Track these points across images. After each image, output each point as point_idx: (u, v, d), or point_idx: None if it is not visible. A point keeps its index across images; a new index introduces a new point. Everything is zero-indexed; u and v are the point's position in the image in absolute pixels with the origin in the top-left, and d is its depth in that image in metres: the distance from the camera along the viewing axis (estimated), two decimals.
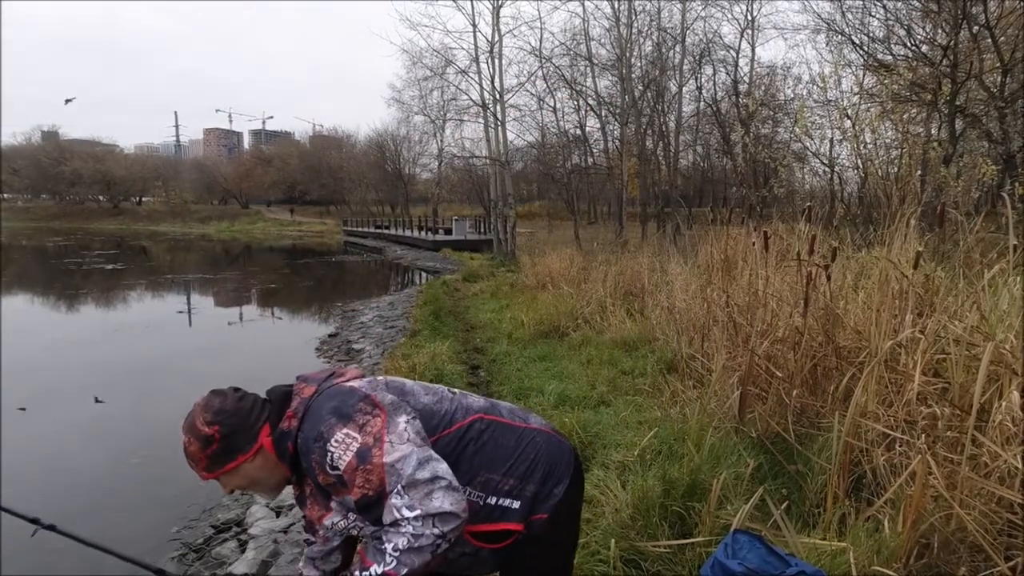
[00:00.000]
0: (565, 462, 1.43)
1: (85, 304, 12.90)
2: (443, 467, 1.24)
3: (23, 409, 5.80)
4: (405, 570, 1.20)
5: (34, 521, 1.69)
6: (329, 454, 1.24)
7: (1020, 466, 1.93)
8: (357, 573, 1.22)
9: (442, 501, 1.20)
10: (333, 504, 1.33)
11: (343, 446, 1.24)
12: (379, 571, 1.20)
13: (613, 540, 2.33)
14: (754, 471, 2.68)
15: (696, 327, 4.71)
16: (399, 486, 1.21)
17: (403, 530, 1.20)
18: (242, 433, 1.33)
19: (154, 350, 8.58)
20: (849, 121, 7.48)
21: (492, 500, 1.34)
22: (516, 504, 1.35)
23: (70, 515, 3.86)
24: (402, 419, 1.28)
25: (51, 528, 1.72)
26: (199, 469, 1.36)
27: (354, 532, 1.36)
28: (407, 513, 1.19)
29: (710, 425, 3.07)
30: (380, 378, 1.42)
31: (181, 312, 12.31)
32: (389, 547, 1.20)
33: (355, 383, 1.37)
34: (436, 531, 1.19)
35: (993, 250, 3.08)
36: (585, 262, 10.65)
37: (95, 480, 4.41)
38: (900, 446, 2.32)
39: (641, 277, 7.65)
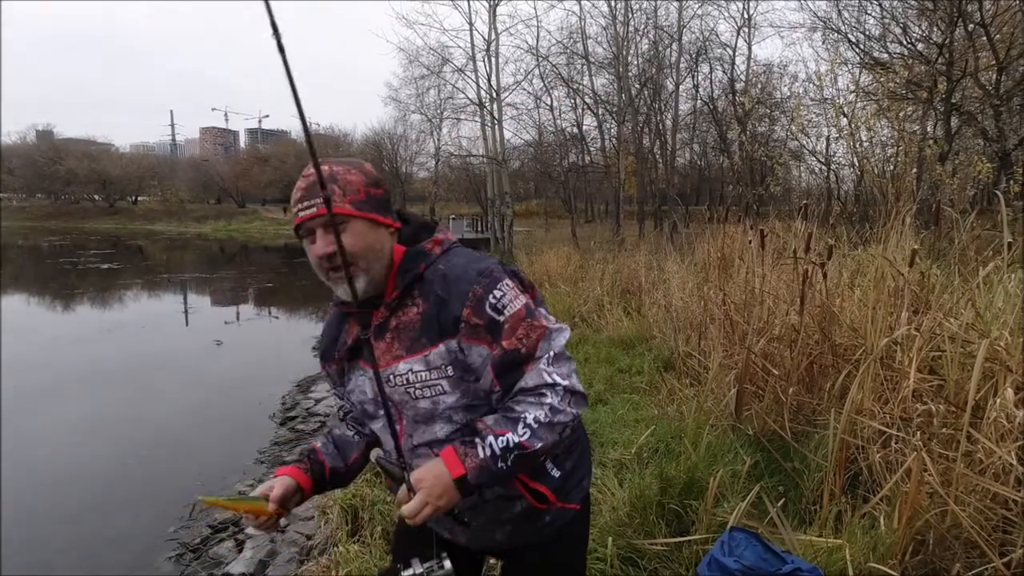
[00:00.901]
0: (590, 459, 1.40)
1: (81, 304, 12.85)
2: None
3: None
4: (539, 444, 1.09)
5: None
6: (497, 294, 1.13)
7: (1015, 462, 1.94)
8: (491, 440, 1.08)
9: (579, 383, 1.16)
10: (430, 349, 1.13)
11: (513, 293, 1.15)
12: (514, 440, 1.08)
13: (610, 538, 2.34)
14: (751, 469, 2.68)
15: (693, 325, 4.72)
16: (549, 354, 1.14)
17: (545, 401, 1.11)
18: (391, 205, 1.21)
19: (151, 350, 8.55)
20: (845, 119, 7.50)
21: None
22: (556, 472, 1.25)
23: (67, 515, 3.85)
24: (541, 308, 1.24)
25: None
26: (344, 199, 1.11)
27: (409, 394, 1.16)
28: (557, 379, 1.12)
29: (707, 423, 3.08)
30: None
31: (178, 311, 12.28)
32: (528, 417, 1.09)
33: None
34: (573, 411, 1.14)
35: (988, 247, 3.10)
36: (582, 260, 10.66)
37: (92, 480, 4.40)
38: (896, 443, 2.33)
39: (638, 275, 7.66)
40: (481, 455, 1.07)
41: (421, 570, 1.10)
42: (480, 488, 1.10)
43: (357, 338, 1.22)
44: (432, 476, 1.06)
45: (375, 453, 1.32)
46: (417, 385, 1.14)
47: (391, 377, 1.15)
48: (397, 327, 1.16)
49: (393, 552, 1.29)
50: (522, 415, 1.10)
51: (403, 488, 1.06)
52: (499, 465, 1.08)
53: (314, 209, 1.10)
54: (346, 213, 1.10)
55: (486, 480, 1.08)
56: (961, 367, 2.39)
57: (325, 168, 1.09)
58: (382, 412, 1.14)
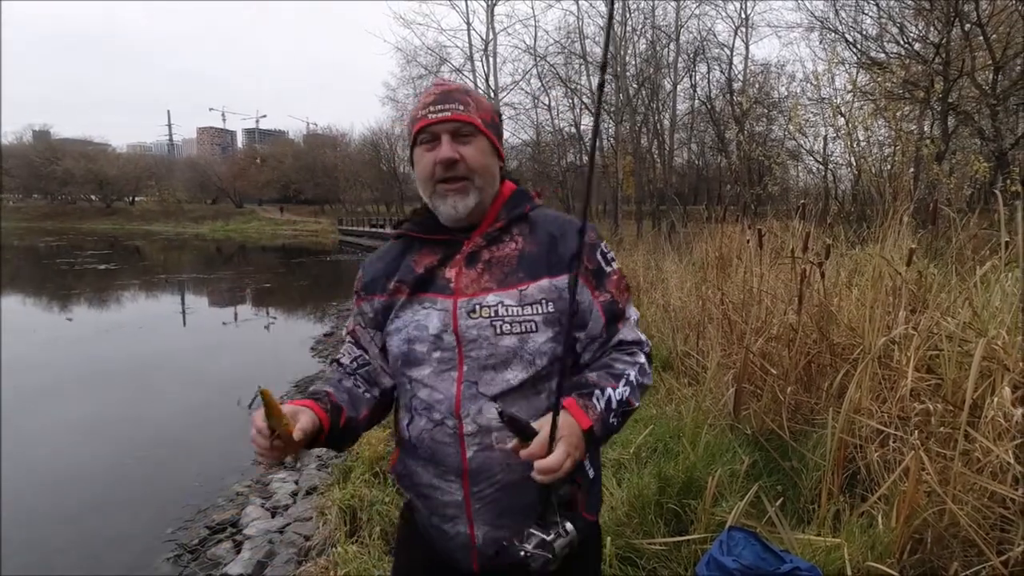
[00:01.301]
0: None
1: (78, 304, 12.82)
2: None
3: None
4: (637, 404, 1.09)
5: None
6: (605, 246, 1.16)
7: (1012, 461, 1.95)
8: (609, 392, 1.05)
9: None
10: (528, 284, 1.08)
11: (612, 254, 1.17)
12: (625, 395, 1.07)
13: (609, 538, 2.34)
14: (749, 468, 2.69)
15: (691, 325, 4.72)
16: (636, 316, 1.18)
17: (637, 359, 1.12)
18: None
19: (148, 350, 8.53)
20: (843, 119, 7.52)
21: None
22: (591, 472, 1.16)
23: (66, 515, 3.84)
24: None
25: None
26: (476, 113, 1.10)
27: (494, 329, 1.07)
28: (644, 339, 1.15)
29: (705, 422, 3.08)
30: None
31: (175, 312, 12.26)
32: (631, 374, 1.09)
33: None
34: (650, 377, 1.15)
35: (985, 247, 3.10)
36: None
37: (90, 481, 4.38)
38: (894, 442, 2.33)
39: (636, 275, 7.66)
40: (599, 408, 1.03)
41: (550, 536, 0.96)
42: (598, 443, 1.06)
43: (432, 267, 1.13)
44: (567, 427, 0.98)
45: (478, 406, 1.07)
46: (506, 319, 1.07)
47: (476, 307, 1.08)
48: (490, 260, 1.12)
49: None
50: (624, 372, 1.09)
51: (538, 440, 0.95)
52: (612, 420, 1.05)
53: (448, 113, 1.08)
54: (478, 125, 1.10)
55: (602, 435, 1.04)
56: (959, 366, 2.40)
57: (459, 85, 1.12)
58: (438, 354, 1.08)
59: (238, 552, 3.24)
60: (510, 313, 1.07)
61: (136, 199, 60.58)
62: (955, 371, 2.39)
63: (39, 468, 4.58)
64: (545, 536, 0.96)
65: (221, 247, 32.51)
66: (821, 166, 9.77)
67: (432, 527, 1.17)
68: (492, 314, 1.07)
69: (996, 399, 2.08)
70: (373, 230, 36.96)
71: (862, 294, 3.21)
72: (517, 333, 1.07)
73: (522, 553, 0.95)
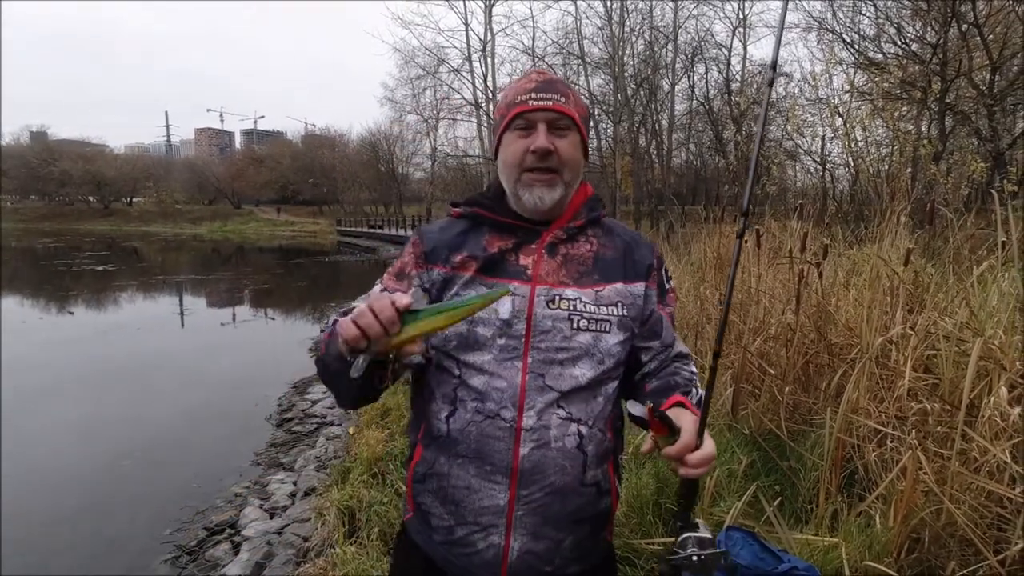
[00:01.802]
0: None
1: (76, 305, 12.79)
2: None
3: None
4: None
5: None
6: (667, 267, 1.20)
7: (1009, 460, 1.95)
8: (697, 393, 1.09)
9: None
10: (604, 286, 1.09)
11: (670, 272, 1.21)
12: (700, 397, 1.08)
13: None
14: (747, 468, 2.69)
15: (689, 325, 4.72)
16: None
17: (693, 369, 1.16)
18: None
19: (147, 351, 8.52)
20: (840, 119, 7.52)
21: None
22: (621, 474, 1.18)
23: (64, 516, 3.84)
24: None
25: None
26: (574, 107, 1.09)
27: (571, 323, 1.05)
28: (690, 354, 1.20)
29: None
30: None
31: (174, 313, 12.24)
32: (696, 380, 1.13)
33: None
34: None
35: (983, 246, 3.11)
36: None
37: (87, 482, 4.38)
38: (891, 442, 2.33)
39: None
40: (694, 406, 1.04)
41: (700, 532, 0.96)
42: None
43: (505, 250, 1.09)
44: (692, 422, 0.97)
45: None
46: (585, 315, 1.05)
47: (556, 298, 1.05)
48: (567, 255, 1.10)
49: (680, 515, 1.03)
50: (692, 378, 1.12)
51: (687, 432, 0.93)
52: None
53: (550, 103, 1.06)
54: (575, 119, 1.09)
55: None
56: (956, 365, 2.40)
57: (559, 77, 1.12)
58: (502, 340, 1.03)
59: (236, 553, 3.23)
60: (588, 310, 1.06)
61: (134, 200, 60.50)
62: (952, 371, 2.40)
63: (38, 468, 4.57)
64: (705, 535, 0.95)
65: (219, 248, 32.47)
66: (819, 166, 9.78)
67: (451, 543, 1.07)
68: (571, 308, 1.05)
69: (993, 398, 2.09)
70: (371, 230, 36.98)
71: (860, 294, 3.22)
72: (592, 331, 1.06)
73: (694, 557, 0.92)
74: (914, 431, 2.19)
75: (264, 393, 6.38)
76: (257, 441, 5.08)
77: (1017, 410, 2.01)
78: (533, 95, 1.07)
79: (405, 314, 0.85)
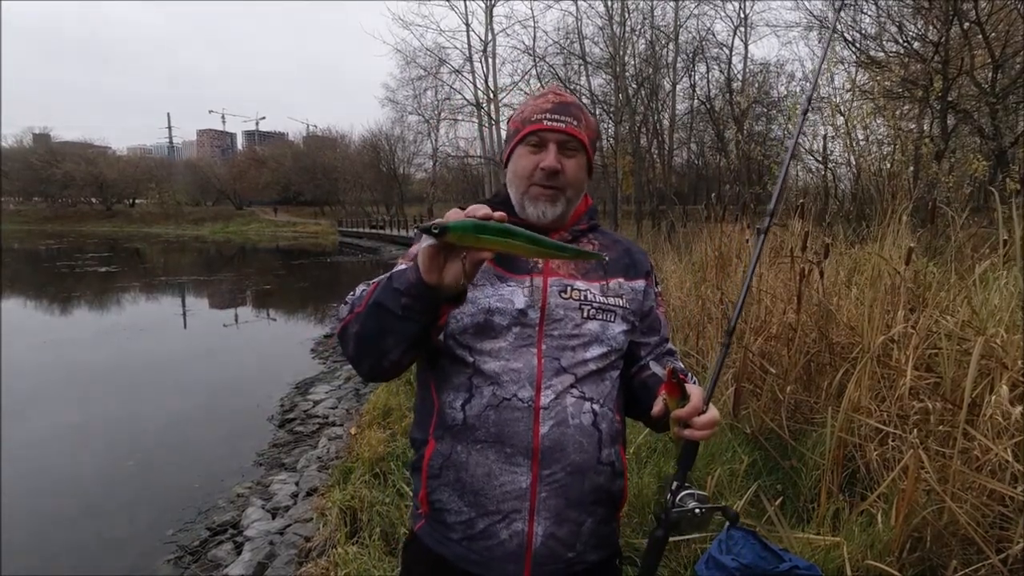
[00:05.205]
0: None
1: (79, 307, 12.82)
2: None
3: None
4: None
5: None
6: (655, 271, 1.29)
7: (1011, 459, 1.95)
8: (690, 376, 1.15)
9: None
10: (608, 280, 1.17)
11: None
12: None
13: None
14: (748, 467, 2.69)
15: (691, 324, 4.72)
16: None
17: (680, 364, 1.25)
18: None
19: (148, 353, 8.54)
20: (842, 118, 7.51)
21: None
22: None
23: (66, 517, 3.85)
24: None
25: None
26: (584, 131, 1.14)
27: (581, 312, 1.11)
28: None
29: None
30: None
31: (176, 314, 12.26)
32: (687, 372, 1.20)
33: None
34: None
35: (984, 245, 3.11)
36: None
37: (90, 483, 4.39)
38: (893, 441, 2.33)
39: None
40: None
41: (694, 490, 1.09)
42: None
43: None
44: (700, 393, 1.05)
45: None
46: (595, 305, 1.13)
47: (568, 288, 1.12)
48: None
49: (679, 476, 1.11)
50: (684, 369, 1.19)
51: (696, 395, 1.02)
52: None
53: (563, 125, 1.13)
54: (584, 142, 1.15)
55: None
56: (957, 364, 2.40)
57: (573, 99, 1.18)
58: (517, 329, 1.08)
59: (239, 553, 3.24)
60: (597, 300, 1.14)
61: (136, 201, 60.62)
62: (954, 369, 2.39)
63: (39, 470, 4.59)
64: (703, 493, 1.07)
65: (221, 249, 32.52)
66: (820, 165, 9.77)
67: (471, 538, 1.07)
68: (582, 298, 1.13)
69: (995, 397, 2.08)
70: (373, 231, 36.97)
71: (861, 293, 3.21)
72: (600, 320, 1.14)
73: (696, 510, 1.05)
74: (916, 430, 2.18)
75: (266, 394, 6.39)
76: (259, 441, 5.09)
77: (1019, 409, 2.01)
78: (548, 115, 1.13)
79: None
